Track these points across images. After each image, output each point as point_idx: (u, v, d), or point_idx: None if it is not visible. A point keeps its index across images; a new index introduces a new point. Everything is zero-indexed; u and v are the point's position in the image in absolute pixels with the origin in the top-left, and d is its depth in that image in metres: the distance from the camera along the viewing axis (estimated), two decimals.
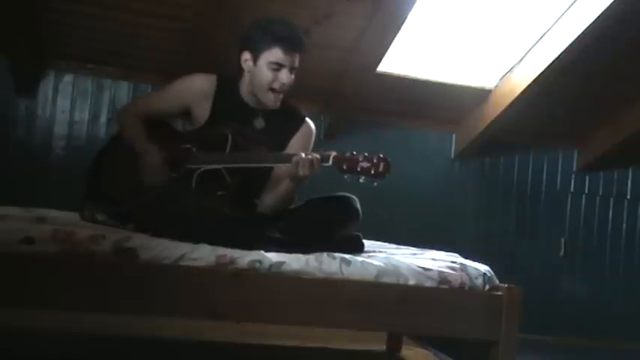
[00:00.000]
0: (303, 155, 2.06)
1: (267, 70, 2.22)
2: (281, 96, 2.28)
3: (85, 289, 1.74)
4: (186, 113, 2.35)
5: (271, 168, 2.26)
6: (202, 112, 2.31)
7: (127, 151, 2.27)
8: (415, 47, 3.91)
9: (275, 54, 2.20)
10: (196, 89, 2.31)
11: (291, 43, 2.21)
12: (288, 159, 2.10)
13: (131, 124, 2.32)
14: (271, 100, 2.27)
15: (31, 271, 1.70)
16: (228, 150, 2.20)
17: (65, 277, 1.73)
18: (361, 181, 2.06)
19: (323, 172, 2.11)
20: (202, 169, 2.17)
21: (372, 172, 2.03)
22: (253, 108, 2.33)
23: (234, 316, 1.86)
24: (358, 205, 2.20)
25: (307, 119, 2.40)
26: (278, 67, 2.21)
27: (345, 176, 2.07)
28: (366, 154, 2.05)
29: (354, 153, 2.06)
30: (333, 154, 2.07)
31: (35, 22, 3.50)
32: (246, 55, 2.26)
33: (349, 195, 2.21)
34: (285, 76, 2.22)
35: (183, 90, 2.33)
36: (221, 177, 2.18)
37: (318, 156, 2.06)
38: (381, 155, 2.04)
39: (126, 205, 2.12)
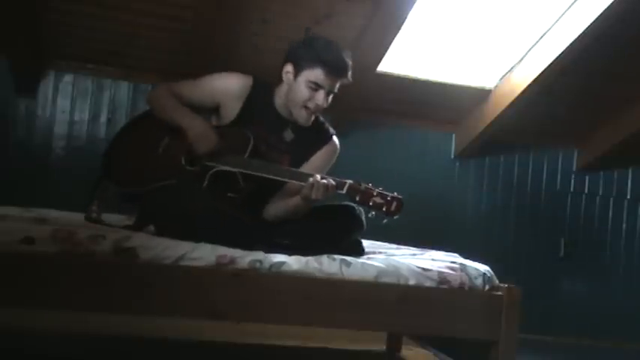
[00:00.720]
0: (319, 178, 2.05)
1: (305, 88, 2.21)
2: (314, 116, 2.27)
3: (85, 289, 1.75)
4: (215, 109, 2.34)
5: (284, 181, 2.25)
6: (231, 111, 2.30)
7: (150, 132, 2.26)
8: (415, 47, 3.90)
9: (316, 74, 2.19)
10: (231, 88, 2.30)
11: (335, 67, 2.19)
12: (304, 178, 2.09)
13: (169, 100, 2.30)
14: (303, 118, 2.26)
15: (31, 271, 1.71)
16: (247, 154, 2.19)
17: (65, 277, 1.73)
18: (370, 215, 2.06)
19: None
20: (217, 169, 2.17)
21: (384, 209, 2.03)
22: (285, 119, 2.31)
23: (234, 316, 1.86)
24: (363, 216, 2.20)
25: (334, 137, 2.39)
26: (316, 87, 2.20)
27: (356, 206, 2.08)
28: (381, 189, 2.06)
29: (369, 186, 2.06)
30: (349, 183, 2.07)
31: (35, 22, 3.50)
32: (289, 68, 2.25)
33: (354, 205, 2.19)
34: (321, 98, 2.21)
35: (219, 87, 2.32)
36: (234, 180, 2.17)
37: (333, 183, 2.06)
38: (396, 194, 2.05)
39: (135, 188, 2.14)
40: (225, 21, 3.41)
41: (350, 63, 2.23)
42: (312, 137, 2.34)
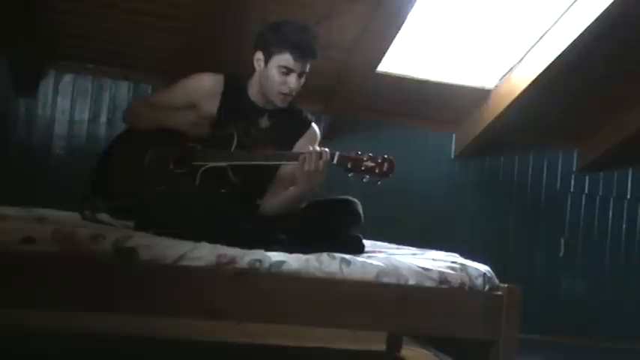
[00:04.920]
0: (311, 148, 2.08)
1: (276, 73, 2.23)
2: (289, 97, 2.30)
3: (85, 289, 1.74)
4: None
5: (276, 169, 2.28)
6: (209, 111, 2.31)
7: (132, 147, 2.28)
8: (415, 47, 3.91)
9: (285, 59, 2.21)
10: (204, 88, 2.33)
11: (302, 50, 2.22)
12: (294, 157, 2.12)
13: (148, 110, 2.35)
14: (280, 100, 2.29)
15: (31, 271, 1.70)
16: (233, 149, 2.22)
17: (65, 277, 1.73)
18: (365, 180, 2.08)
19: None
20: (207, 167, 2.19)
21: (377, 171, 2.08)
22: (260, 107, 2.34)
23: (234, 315, 1.86)
24: (360, 209, 2.21)
25: (314, 124, 2.42)
26: (287, 71, 2.23)
27: (349, 175, 2.09)
28: (371, 154, 2.08)
29: (359, 153, 2.08)
30: (338, 153, 2.09)
31: (35, 22, 3.50)
32: (259, 55, 2.28)
33: (352, 198, 2.23)
34: (293, 81, 2.24)
35: (191, 89, 2.35)
36: (225, 175, 2.20)
37: (327, 149, 2.08)
38: (386, 156, 2.08)
39: (127, 200, 2.13)
40: (225, 21, 3.41)
41: (316, 43, 2.25)
42: (291, 124, 2.37)
